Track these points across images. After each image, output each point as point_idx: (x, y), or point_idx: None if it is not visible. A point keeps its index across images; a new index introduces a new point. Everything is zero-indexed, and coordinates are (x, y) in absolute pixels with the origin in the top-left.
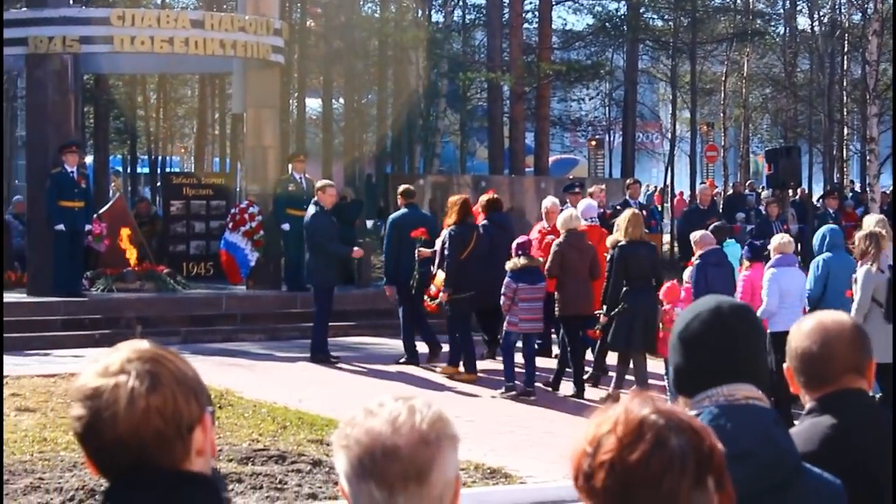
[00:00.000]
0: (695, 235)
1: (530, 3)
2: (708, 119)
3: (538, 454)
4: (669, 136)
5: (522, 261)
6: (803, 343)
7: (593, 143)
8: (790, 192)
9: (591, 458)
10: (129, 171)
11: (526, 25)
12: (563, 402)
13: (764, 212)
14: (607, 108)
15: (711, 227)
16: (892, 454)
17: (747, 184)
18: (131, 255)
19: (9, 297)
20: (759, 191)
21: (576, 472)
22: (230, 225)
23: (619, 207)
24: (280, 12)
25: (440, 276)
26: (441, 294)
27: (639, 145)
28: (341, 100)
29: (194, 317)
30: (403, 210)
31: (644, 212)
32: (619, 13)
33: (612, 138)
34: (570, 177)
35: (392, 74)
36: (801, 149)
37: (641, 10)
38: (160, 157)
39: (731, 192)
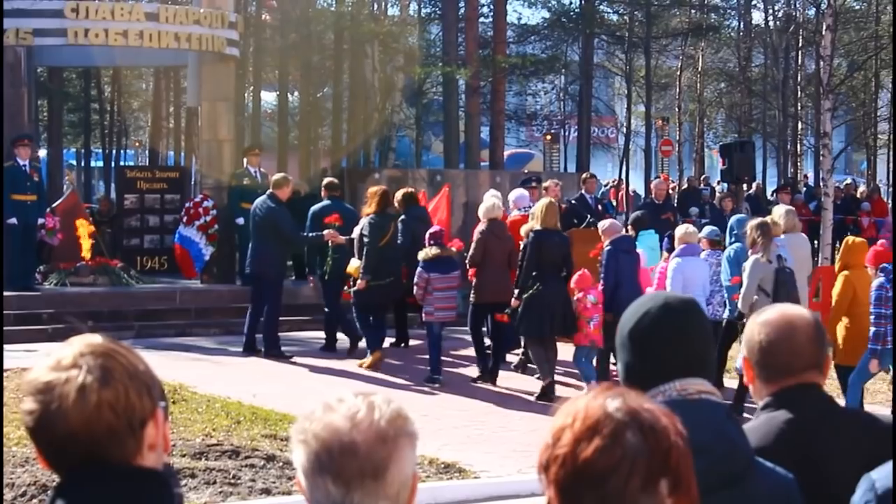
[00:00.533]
0: (603, 224)
1: None
2: (663, 114)
3: (492, 449)
4: (624, 130)
5: (434, 251)
6: (766, 336)
7: (548, 137)
8: (744, 186)
9: (550, 449)
10: (83, 164)
11: (482, 19)
12: (519, 398)
13: (718, 206)
14: (562, 103)
15: (632, 217)
16: (849, 450)
17: (702, 178)
18: (85, 249)
19: None
20: (714, 185)
21: (539, 464)
22: (185, 219)
23: (573, 202)
24: (235, 5)
25: (354, 262)
26: (359, 281)
27: (594, 140)
28: (297, 93)
29: (148, 311)
30: (326, 202)
31: (600, 206)
32: (573, 7)
33: (567, 133)
34: (526, 171)
35: (348, 68)
36: (755, 144)
37: (596, 4)
38: (115, 151)
39: (685, 186)
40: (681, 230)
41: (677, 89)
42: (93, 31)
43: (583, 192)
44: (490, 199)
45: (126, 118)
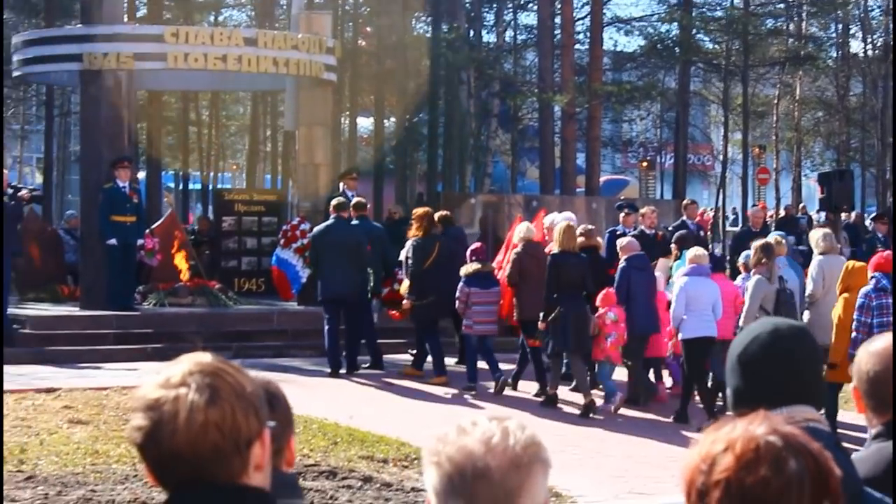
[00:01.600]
0: (621, 242)
1: (581, 24)
2: (760, 142)
3: (589, 474)
4: (721, 158)
5: (475, 266)
6: (875, 366)
7: (644, 164)
8: (842, 215)
9: (706, 475)
10: (181, 187)
11: (577, 46)
12: (614, 422)
13: None
14: (659, 130)
15: (676, 235)
16: None
17: (799, 207)
18: (183, 270)
19: (62, 310)
20: (812, 214)
21: (688, 489)
22: (282, 241)
23: (670, 229)
24: (333, 31)
25: (405, 284)
26: (404, 301)
27: (690, 167)
28: (392, 119)
29: (245, 332)
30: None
31: (702, 233)
32: (670, 35)
33: (663, 160)
34: (621, 197)
35: (443, 94)
36: (853, 172)
37: (693, 32)
38: (212, 174)
39: (782, 214)
40: (691, 252)
41: (774, 117)
42: (192, 55)
43: (684, 218)
44: (523, 224)
45: (224, 141)
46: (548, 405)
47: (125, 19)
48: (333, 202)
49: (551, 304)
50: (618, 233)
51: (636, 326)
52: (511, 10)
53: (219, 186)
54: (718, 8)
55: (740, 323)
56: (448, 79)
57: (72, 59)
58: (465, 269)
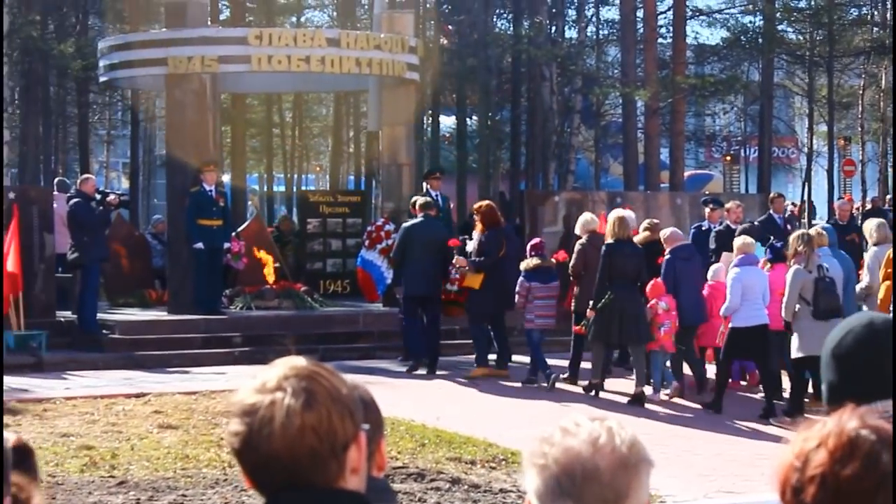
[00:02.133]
0: (664, 232)
1: (664, 18)
2: (845, 133)
3: (677, 473)
4: (806, 150)
5: (535, 261)
6: None
7: (728, 158)
8: None
9: (800, 472)
10: (265, 189)
11: (660, 40)
12: (701, 419)
13: None
14: (742, 123)
15: (740, 228)
16: None
17: (886, 198)
18: (269, 272)
19: (149, 314)
20: None
21: (783, 487)
22: (366, 242)
23: (756, 223)
24: (414, 30)
25: (472, 276)
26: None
27: (775, 160)
28: (475, 117)
29: (331, 334)
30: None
31: (788, 226)
32: (753, 26)
33: (747, 153)
34: (706, 192)
35: (526, 91)
36: None
37: (777, 23)
38: (296, 176)
39: (869, 207)
40: (739, 241)
41: (860, 108)
42: (276, 57)
43: (771, 212)
44: (586, 215)
45: (307, 143)
46: (590, 393)
47: (209, 22)
48: (420, 201)
49: (602, 293)
50: (703, 228)
51: (683, 316)
52: (593, 4)
53: (303, 188)
54: None
55: (782, 313)
56: (530, 75)
57: (157, 64)
58: (525, 264)
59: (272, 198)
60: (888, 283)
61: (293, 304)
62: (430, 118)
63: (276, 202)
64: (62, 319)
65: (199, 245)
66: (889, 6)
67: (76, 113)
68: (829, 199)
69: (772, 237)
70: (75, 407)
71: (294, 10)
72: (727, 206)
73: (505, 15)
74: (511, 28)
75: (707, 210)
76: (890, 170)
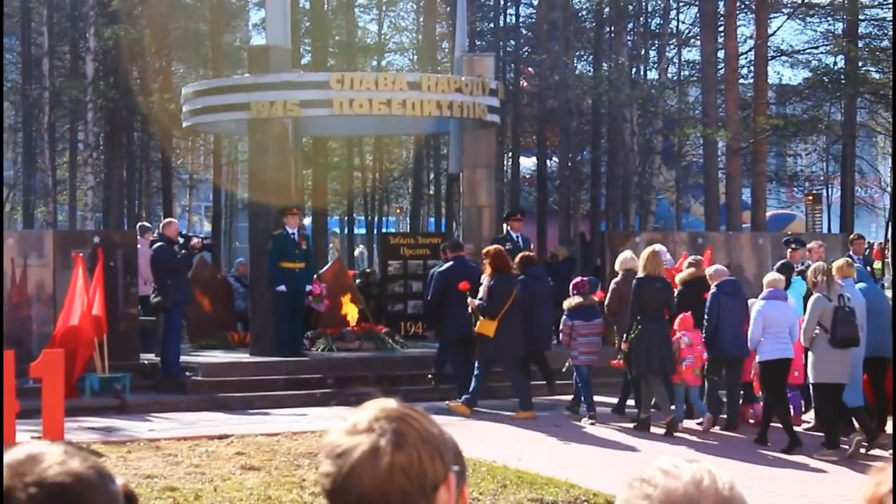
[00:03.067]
0: (710, 269)
1: (745, 58)
2: None
3: None
4: (889, 190)
5: (577, 300)
6: None
7: (810, 198)
8: None
9: None
10: (346, 231)
11: (741, 81)
12: (785, 461)
13: None
14: (825, 163)
15: (778, 264)
16: None
17: None
18: (351, 315)
19: (232, 356)
20: None
21: None
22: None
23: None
24: (495, 72)
25: (484, 323)
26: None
27: (857, 200)
28: (555, 158)
29: (412, 376)
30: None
31: (868, 268)
32: (836, 67)
33: (829, 193)
34: (788, 232)
35: (606, 132)
36: None
37: (859, 63)
38: (376, 218)
39: None
40: (768, 277)
41: None
42: (357, 101)
43: (850, 253)
44: (625, 253)
45: (387, 185)
46: (640, 429)
47: (290, 67)
48: (449, 243)
49: (632, 327)
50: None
51: (726, 350)
52: (674, 45)
53: (383, 230)
54: (884, 37)
55: (801, 338)
56: (611, 116)
57: (240, 109)
58: (568, 303)
59: (353, 240)
60: None
61: (374, 346)
62: (511, 160)
63: (357, 244)
64: (146, 362)
65: (282, 288)
66: None
67: (159, 158)
68: None
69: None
70: (159, 449)
71: (375, 54)
72: (809, 245)
73: (585, 56)
74: (591, 70)
75: (789, 250)
76: None
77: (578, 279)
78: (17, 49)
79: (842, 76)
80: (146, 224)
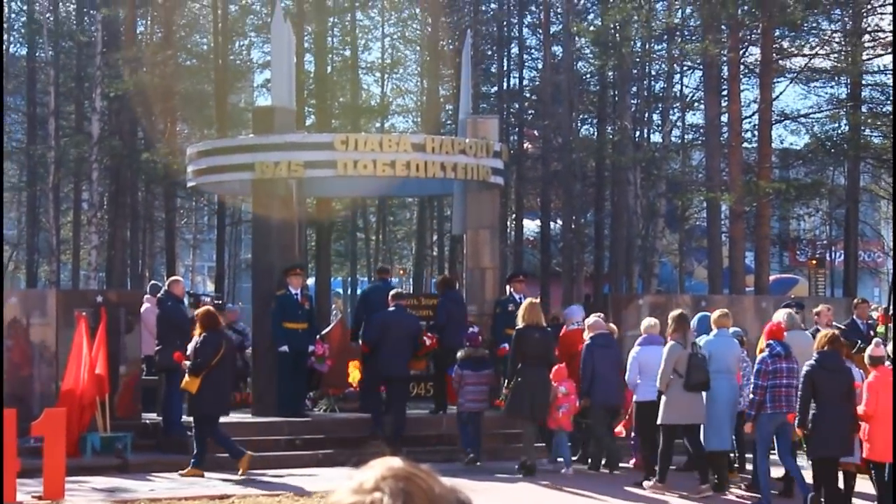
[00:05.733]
0: (589, 320)
1: (749, 122)
2: None
3: None
4: (892, 254)
5: (468, 351)
6: None
7: (814, 262)
8: None
9: None
10: (349, 292)
11: (745, 145)
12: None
13: None
14: (828, 227)
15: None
16: None
17: None
18: (353, 375)
19: (234, 417)
20: None
21: None
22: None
23: (843, 327)
24: (499, 135)
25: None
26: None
27: (861, 264)
28: (559, 220)
29: (415, 437)
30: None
31: (872, 332)
32: (838, 133)
33: (832, 257)
34: (791, 296)
35: (609, 195)
36: None
37: (862, 128)
38: None
39: None
40: (645, 323)
41: None
42: (361, 162)
43: (854, 317)
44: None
45: (391, 246)
46: (525, 473)
47: (295, 128)
48: (392, 293)
49: (514, 373)
50: None
51: (598, 397)
52: (677, 109)
53: None
54: (887, 102)
55: (657, 383)
56: (614, 179)
57: (244, 169)
58: (460, 354)
59: (356, 301)
60: None
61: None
62: (514, 222)
63: None
64: (147, 422)
65: (285, 348)
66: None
67: (163, 217)
68: None
69: (858, 342)
70: None
71: (378, 115)
72: (816, 309)
73: (589, 119)
74: (595, 132)
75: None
76: None
77: (472, 331)
78: (23, 109)
79: (844, 141)
80: (158, 283)
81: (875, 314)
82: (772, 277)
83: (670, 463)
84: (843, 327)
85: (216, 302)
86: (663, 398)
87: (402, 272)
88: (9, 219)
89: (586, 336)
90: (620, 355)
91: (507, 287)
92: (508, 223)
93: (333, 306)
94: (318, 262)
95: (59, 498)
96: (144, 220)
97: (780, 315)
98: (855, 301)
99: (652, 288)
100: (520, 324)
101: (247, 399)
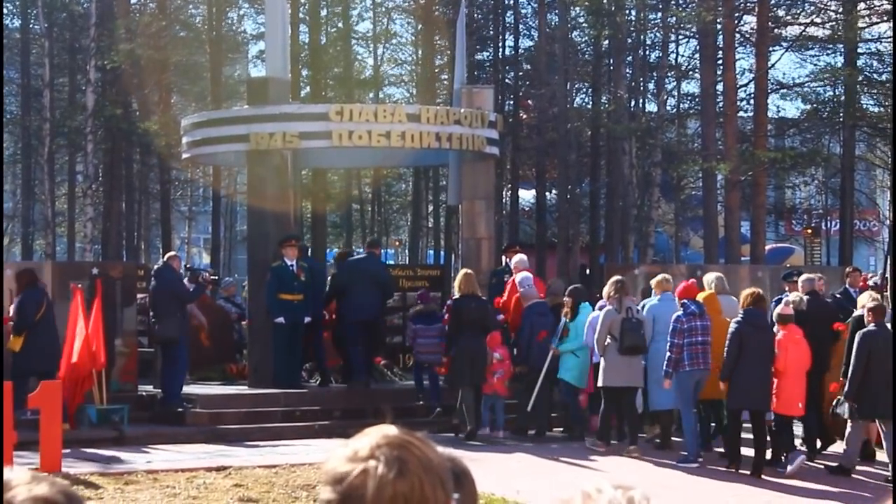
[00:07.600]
0: (522, 291)
1: (744, 91)
2: None
3: None
4: (888, 223)
5: (420, 307)
6: None
7: (809, 231)
8: None
9: None
10: None
11: (740, 114)
12: (802, 490)
13: None
14: (824, 196)
15: (570, 288)
16: None
17: None
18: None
19: (230, 388)
20: None
21: None
22: (446, 316)
23: (838, 296)
24: (494, 105)
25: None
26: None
27: (856, 233)
28: (554, 190)
29: (410, 408)
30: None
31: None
32: (834, 99)
33: (828, 226)
34: (787, 265)
35: (605, 164)
36: None
37: (857, 96)
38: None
39: None
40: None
41: None
42: (356, 132)
43: (846, 286)
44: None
45: (386, 217)
46: (469, 439)
47: (290, 99)
48: (368, 240)
49: (452, 342)
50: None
51: (534, 361)
52: (673, 78)
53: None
54: (883, 70)
55: (594, 346)
56: (609, 149)
57: (239, 140)
58: (413, 311)
59: None
60: None
61: (373, 378)
62: (510, 192)
63: None
64: (143, 394)
65: (281, 319)
66: None
67: (158, 190)
68: None
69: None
70: (157, 480)
71: (373, 86)
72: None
73: (584, 89)
74: (590, 102)
75: (788, 284)
76: None
77: (422, 291)
78: (17, 81)
79: (839, 108)
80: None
81: (871, 283)
82: (768, 247)
83: (612, 424)
84: (837, 296)
85: (213, 277)
86: (602, 362)
87: (397, 243)
88: (4, 191)
89: (524, 304)
90: (556, 324)
91: (503, 257)
92: (504, 193)
93: (329, 278)
94: (314, 233)
95: (55, 470)
96: (140, 193)
97: (710, 278)
98: (847, 269)
99: (648, 258)
100: (456, 294)
101: (243, 371)
